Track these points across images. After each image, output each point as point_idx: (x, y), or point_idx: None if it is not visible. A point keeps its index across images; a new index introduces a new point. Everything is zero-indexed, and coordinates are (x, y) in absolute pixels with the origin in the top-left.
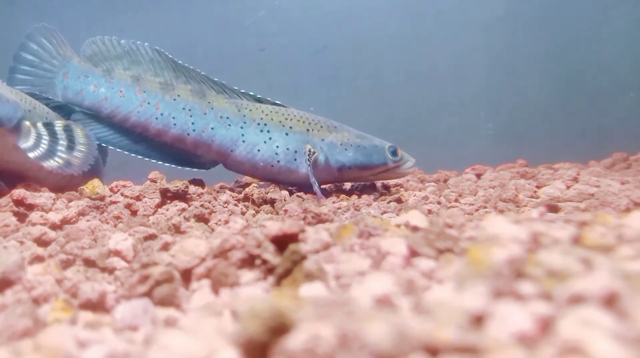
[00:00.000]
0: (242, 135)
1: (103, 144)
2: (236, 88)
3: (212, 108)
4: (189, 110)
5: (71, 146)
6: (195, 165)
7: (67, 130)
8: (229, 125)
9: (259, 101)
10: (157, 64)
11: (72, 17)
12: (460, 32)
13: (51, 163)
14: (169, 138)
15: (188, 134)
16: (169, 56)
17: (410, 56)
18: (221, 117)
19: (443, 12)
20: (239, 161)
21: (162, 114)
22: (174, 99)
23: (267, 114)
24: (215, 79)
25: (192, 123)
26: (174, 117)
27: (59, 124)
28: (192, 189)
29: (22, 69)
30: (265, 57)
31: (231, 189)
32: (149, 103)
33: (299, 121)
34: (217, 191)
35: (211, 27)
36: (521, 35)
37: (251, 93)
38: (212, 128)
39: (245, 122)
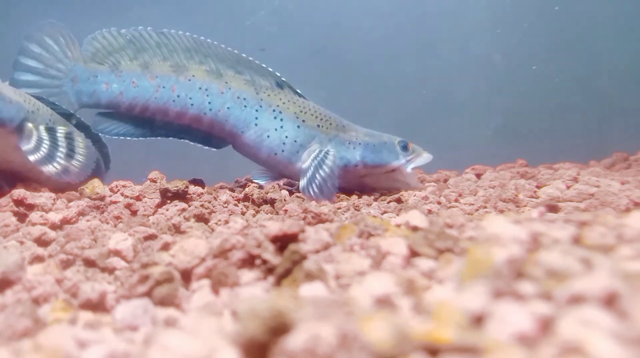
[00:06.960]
0: (256, 118)
1: (121, 137)
2: (264, 66)
3: (229, 88)
4: (206, 89)
5: (70, 154)
6: (210, 144)
7: (69, 138)
8: (245, 106)
9: (280, 85)
10: (165, 47)
11: (72, 17)
12: (460, 32)
13: (49, 168)
14: (187, 119)
15: (205, 114)
16: (182, 35)
17: (410, 56)
18: (238, 97)
19: (443, 12)
20: (247, 143)
21: (178, 96)
22: (189, 80)
23: (284, 103)
24: (243, 55)
25: (209, 102)
26: (190, 98)
27: (60, 131)
28: (192, 189)
29: (26, 73)
30: (265, 57)
31: (231, 189)
32: (164, 87)
33: (312, 115)
34: (217, 191)
35: (211, 27)
36: (521, 35)
37: (278, 74)
38: (228, 108)
39: (261, 106)
